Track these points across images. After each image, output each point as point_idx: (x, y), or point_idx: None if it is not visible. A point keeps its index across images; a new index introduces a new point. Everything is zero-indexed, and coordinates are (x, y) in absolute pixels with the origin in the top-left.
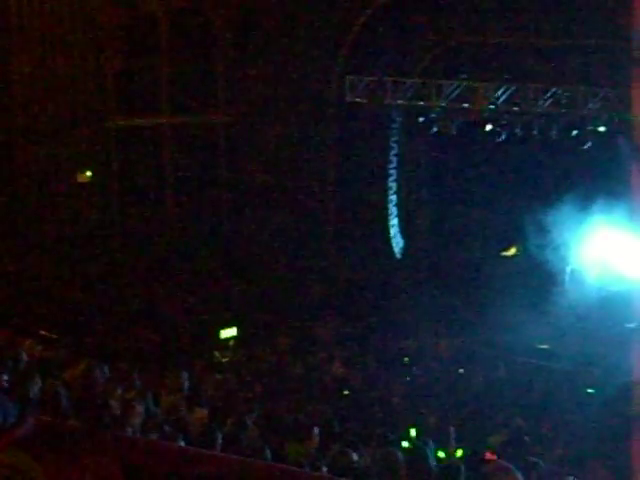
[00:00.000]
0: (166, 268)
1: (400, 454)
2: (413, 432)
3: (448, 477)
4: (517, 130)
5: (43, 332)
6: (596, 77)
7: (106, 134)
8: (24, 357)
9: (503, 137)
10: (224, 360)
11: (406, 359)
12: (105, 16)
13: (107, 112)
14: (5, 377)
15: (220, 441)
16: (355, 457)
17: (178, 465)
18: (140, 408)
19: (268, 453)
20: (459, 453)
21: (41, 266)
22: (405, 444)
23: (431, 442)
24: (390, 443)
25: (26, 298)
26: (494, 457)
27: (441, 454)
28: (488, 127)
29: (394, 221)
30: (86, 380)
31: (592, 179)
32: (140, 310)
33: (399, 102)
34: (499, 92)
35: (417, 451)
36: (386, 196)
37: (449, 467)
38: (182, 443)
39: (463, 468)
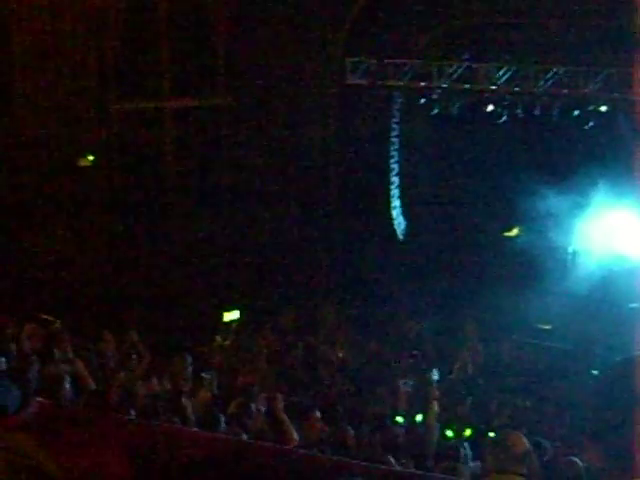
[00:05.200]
0: (168, 251)
1: (401, 433)
2: (419, 417)
3: (448, 455)
4: (518, 111)
5: (45, 316)
6: (597, 57)
7: (107, 118)
8: (27, 341)
9: (504, 118)
10: (226, 343)
11: (409, 342)
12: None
13: (108, 96)
14: (2, 359)
15: (224, 424)
16: (352, 433)
17: (182, 448)
18: (144, 391)
19: (271, 435)
20: (468, 432)
21: (42, 250)
22: (400, 419)
23: (436, 422)
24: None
25: (27, 282)
26: None
27: (449, 433)
28: (489, 108)
29: (396, 203)
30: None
31: (594, 159)
32: (142, 294)
33: (400, 83)
34: (500, 73)
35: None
36: (388, 178)
37: (450, 447)
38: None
39: (465, 447)
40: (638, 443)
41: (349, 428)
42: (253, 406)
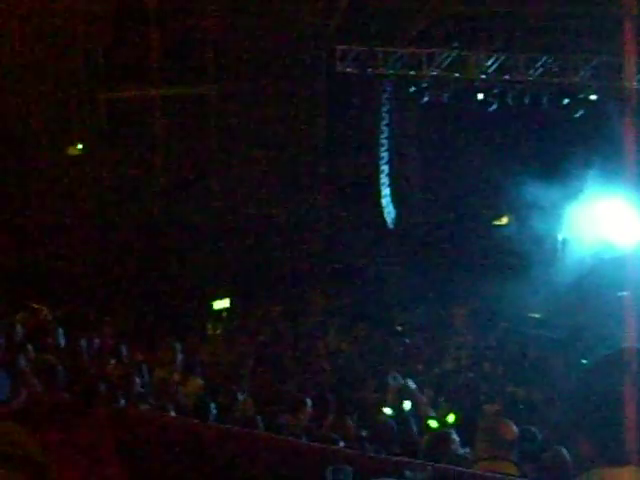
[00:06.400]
0: (157, 239)
1: (394, 423)
2: (407, 405)
3: (438, 444)
4: (508, 99)
5: (35, 305)
6: (587, 45)
7: (96, 106)
8: (19, 329)
9: (494, 106)
10: (217, 332)
11: (399, 328)
12: None
13: (97, 84)
14: None
15: (214, 412)
16: (350, 423)
17: (171, 436)
18: (137, 380)
19: (260, 423)
20: (451, 419)
21: (31, 239)
22: (389, 411)
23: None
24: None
25: (18, 270)
26: None
27: (433, 423)
28: (479, 96)
29: (386, 191)
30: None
31: (584, 147)
32: (132, 282)
33: (390, 72)
34: (490, 61)
35: (402, 419)
36: (378, 166)
37: (439, 435)
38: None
39: (454, 435)
40: (626, 434)
41: (348, 418)
42: (241, 395)
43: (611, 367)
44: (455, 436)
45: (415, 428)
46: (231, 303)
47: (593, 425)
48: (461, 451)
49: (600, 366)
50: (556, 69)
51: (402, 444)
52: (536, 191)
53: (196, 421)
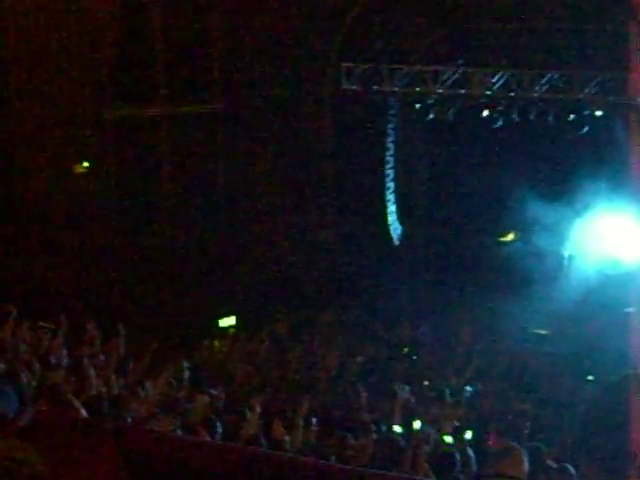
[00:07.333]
0: (163, 257)
1: (403, 441)
2: (417, 424)
3: (443, 463)
4: (514, 116)
5: (42, 323)
6: (593, 61)
7: (102, 124)
8: (23, 347)
9: (500, 123)
10: (224, 349)
11: (406, 349)
12: (98, 5)
13: (103, 102)
14: (2, 366)
15: (220, 430)
16: (353, 442)
17: (178, 454)
18: (142, 398)
19: (265, 442)
20: (468, 435)
21: (38, 256)
22: (398, 429)
23: (432, 429)
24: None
25: (24, 288)
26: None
27: (448, 439)
28: (485, 113)
29: (392, 208)
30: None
31: (589, 163)
32: (138, 300)
33: (395, 89)
34: (495, 78)
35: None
36: (383, 183)
37: (444, 454)
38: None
39: (458, 455)
40: (631, 460)
41: (349, 436)
42: (248, 413)
43: (617, 394)
44: (471, 453)
45: (428, 445)
46: (237, 320)
47: (600, 448)
48: (475, 468)
49: (607, 393)
50: (561, 85)
51: (412, 463)
52: (541, 207)
53: (203, 439)
